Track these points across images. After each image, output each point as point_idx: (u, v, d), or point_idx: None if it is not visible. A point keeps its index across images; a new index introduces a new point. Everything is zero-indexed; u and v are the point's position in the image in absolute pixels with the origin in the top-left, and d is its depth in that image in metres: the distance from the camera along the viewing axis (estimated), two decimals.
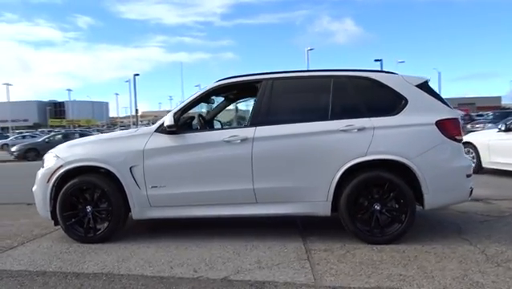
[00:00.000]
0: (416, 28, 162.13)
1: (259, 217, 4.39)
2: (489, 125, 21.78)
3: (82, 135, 21.90)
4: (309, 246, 4.10)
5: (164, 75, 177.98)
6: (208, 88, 4.61)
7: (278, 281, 3.25)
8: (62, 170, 4.43)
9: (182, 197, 4.32)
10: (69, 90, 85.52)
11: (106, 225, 4.43)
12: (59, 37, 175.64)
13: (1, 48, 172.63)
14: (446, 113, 4.24)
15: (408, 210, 4.05)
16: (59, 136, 23.68)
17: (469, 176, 4.25)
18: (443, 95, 4.57)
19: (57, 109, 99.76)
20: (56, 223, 4.52)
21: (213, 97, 5.32)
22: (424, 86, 4.34)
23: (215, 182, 4.26)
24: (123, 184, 4.34)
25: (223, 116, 6.77)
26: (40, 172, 4.59)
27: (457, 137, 4.21)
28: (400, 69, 45.64)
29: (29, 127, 75.53)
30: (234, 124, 10.89)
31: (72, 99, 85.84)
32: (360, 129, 4.12)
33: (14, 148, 22.87)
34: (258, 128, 4.26)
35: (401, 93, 4.23)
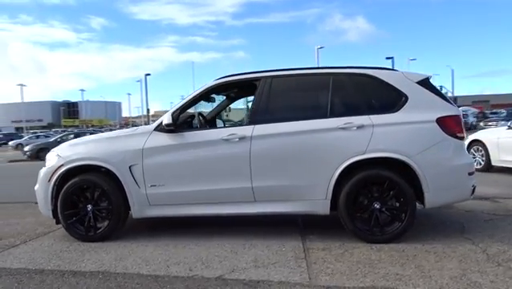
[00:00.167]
0: (430, 25, 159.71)
1: (258, 215, 4.36)
2: (502, 122, 21.73)
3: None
4: (308, 244, 4.07)
5: (176, 74, 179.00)
6: (207, 87, 4.59)
7: (273, 280, 3.22)
8: (63, 169, 4.47)
9: (181, 196, 4.32)
10: (82, 90, 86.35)
11: (106, 223, 4.46)
12: (73, 38, 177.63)
13: (17, 50, 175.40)
14: (447, 110, 4.15)
15: (408, 209, 3.99)
16: (71, 136, 23.86)
17: (470, 174, 4.15)
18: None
19: (71, 109, 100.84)
20: (58, 222, 4.56)
21: (214, 95, 5.31)
22: (425, 83, 4.26)
23: (213, 181, 4.25)
24: (123, 183, 4.36)
25: (229, 115, 6.77)
26: (42, 171, 4.64)
27: (459, 134, 4.12)
28: (411, 67, 45.20)
29: (43, 127, 76.57)
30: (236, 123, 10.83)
31: (86, 99, 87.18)
32: (359, 127, 4.07)
33: (26, 148, 23.20)
34: (257, 126, 4.24)
35: (401, 90, 4.17)
